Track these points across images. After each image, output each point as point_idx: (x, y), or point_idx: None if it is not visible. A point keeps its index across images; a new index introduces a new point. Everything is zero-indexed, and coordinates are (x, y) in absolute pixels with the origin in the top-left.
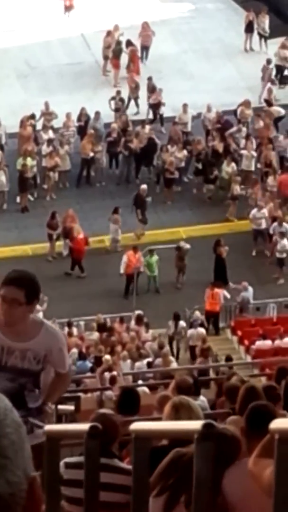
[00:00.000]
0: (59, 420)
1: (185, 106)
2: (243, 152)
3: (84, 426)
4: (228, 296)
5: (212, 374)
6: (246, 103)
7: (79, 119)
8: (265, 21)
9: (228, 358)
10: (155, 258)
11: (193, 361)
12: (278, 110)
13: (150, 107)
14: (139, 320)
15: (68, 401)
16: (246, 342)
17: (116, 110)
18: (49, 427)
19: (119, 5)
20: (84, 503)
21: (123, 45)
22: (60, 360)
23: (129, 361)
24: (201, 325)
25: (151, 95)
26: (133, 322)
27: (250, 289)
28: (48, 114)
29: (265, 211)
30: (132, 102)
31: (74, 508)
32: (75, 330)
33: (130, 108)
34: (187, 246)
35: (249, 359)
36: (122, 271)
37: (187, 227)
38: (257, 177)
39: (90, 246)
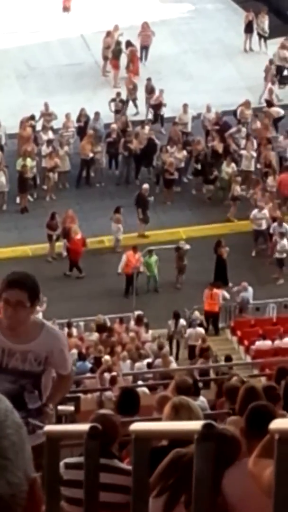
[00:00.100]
0: (59, 421)
1: (185, 106)
2: (243, 152)
3: (84, 427)
4: (228, 296)
5: (212, 375)
6: (246, 104)
7: (78, 120)
8: (265, 21)
9: (228, 358)
10: (154, 258)
11: (190, 360)
12: (277, 110)
13: (151, 108)
14: (139, 320)
15: (68, 402)
16: (246, 342)
17: (116, 112)
18: (49, 427)
19: (119, 5)
20: (84, 504)
21: (123, 46)
22: (62, 362)
23: (128, 361)
24: (200, 325)
25: (150, 96)
26: (132, 323)
27: (250, 289)
28: (47, 115)
29: (266, 211)
30: (131, 103)
31: (74, 509)
32: (74, 331)
33: (129, 109)
34: (187, 246)
35: (249, 359)
36: (120, 270)
37: (187, 227)
38: (258, 177)
39: (88, 247)
